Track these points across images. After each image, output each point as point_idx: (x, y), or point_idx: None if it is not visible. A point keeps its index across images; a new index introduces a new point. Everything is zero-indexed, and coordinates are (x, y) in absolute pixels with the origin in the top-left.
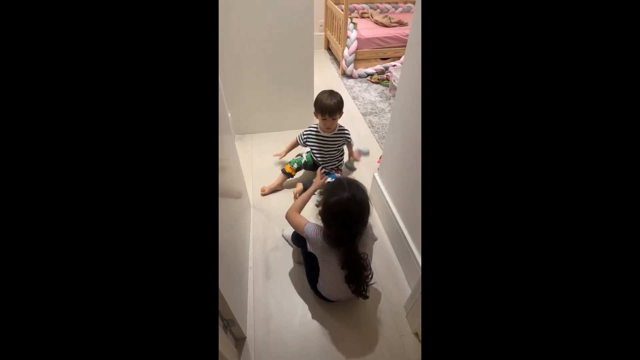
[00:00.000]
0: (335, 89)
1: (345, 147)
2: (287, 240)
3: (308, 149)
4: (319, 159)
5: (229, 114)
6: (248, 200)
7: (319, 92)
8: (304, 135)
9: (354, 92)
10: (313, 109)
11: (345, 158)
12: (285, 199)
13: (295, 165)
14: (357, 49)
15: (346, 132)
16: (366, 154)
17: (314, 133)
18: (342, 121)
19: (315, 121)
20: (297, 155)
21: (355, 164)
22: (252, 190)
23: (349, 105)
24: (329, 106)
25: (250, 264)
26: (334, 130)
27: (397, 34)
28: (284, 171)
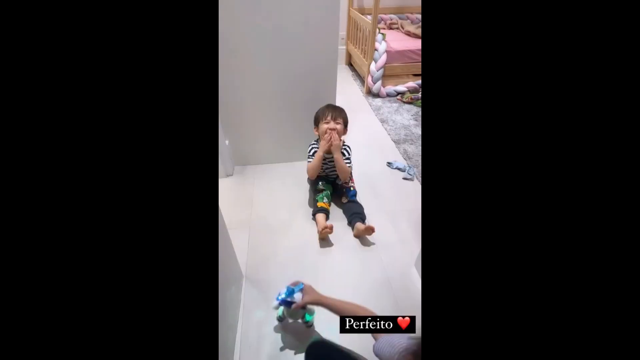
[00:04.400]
0: (360, 110)
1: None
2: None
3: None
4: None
5: (227, 142)
6: (238, 268)
7: None
8: (310, 151)
9: (382, 113)
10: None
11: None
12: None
13: (325, 199)
14: (386, 63)
15: (346, 146)
16: (410, 175)
17: (316, 148)
18: (371, 151)
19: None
20: (319, 192)
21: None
22: (248, 249)
23: (376, 129)
24: (331, 106)
25: None
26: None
27: None
28: (317, 212)
